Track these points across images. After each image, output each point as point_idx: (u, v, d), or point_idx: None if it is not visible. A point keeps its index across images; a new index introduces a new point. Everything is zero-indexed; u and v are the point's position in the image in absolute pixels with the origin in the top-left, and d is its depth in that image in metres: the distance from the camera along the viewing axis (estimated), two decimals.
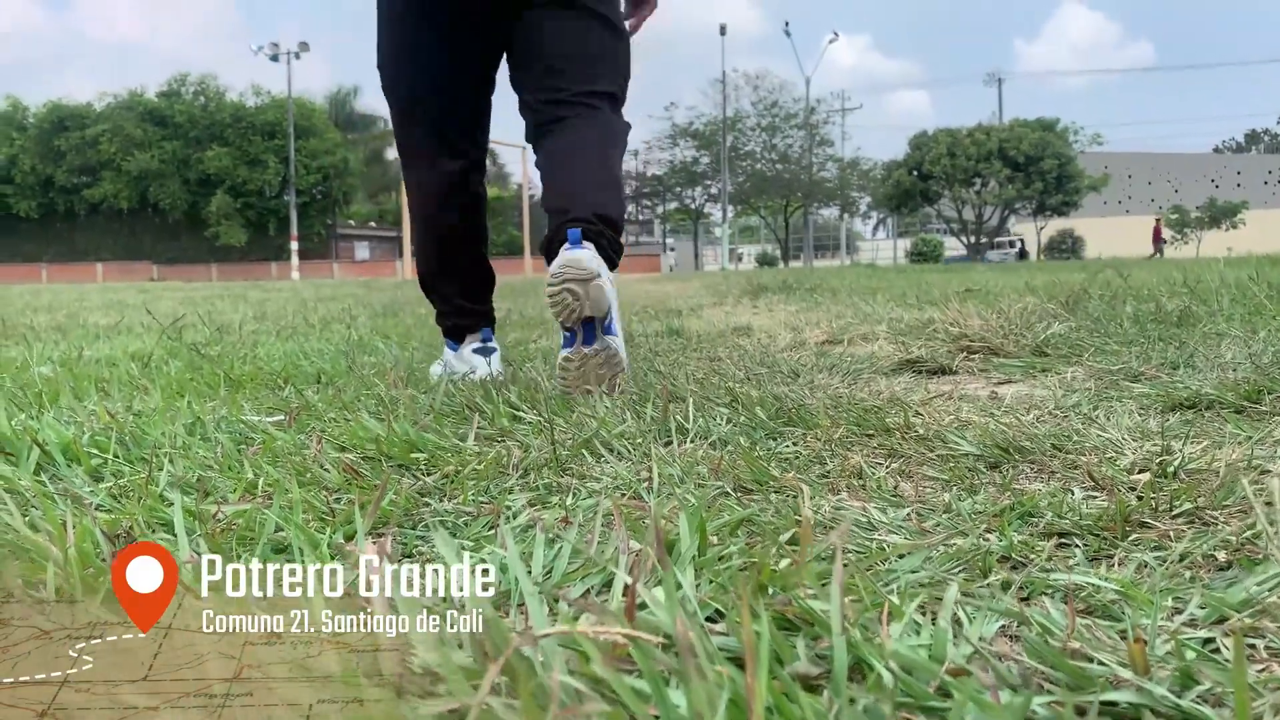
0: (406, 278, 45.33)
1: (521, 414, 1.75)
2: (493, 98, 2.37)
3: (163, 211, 46.70)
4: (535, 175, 2.43)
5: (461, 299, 2.48)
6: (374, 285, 18.06)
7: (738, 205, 53.09)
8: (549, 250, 2.09)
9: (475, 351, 2.48)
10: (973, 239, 45.95)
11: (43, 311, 8.15)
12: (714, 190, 50.28)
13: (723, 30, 46.26)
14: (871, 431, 1.53)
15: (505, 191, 49.39)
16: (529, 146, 2.30)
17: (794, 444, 1.48)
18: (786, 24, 49.05)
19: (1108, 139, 78.94)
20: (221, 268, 47.51)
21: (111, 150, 45.38)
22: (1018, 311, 3.20)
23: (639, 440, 1.51)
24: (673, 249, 46.31)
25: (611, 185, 2.17)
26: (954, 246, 49.83)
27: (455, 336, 2.55)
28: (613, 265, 2.09)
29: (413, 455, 1.42)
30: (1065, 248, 49.87)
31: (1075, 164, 43.89)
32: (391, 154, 58.07)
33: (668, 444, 1.50)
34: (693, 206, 52.06)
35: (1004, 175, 42.33)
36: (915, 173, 44.33)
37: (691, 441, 1.51)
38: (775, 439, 1.53)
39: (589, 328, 2.01)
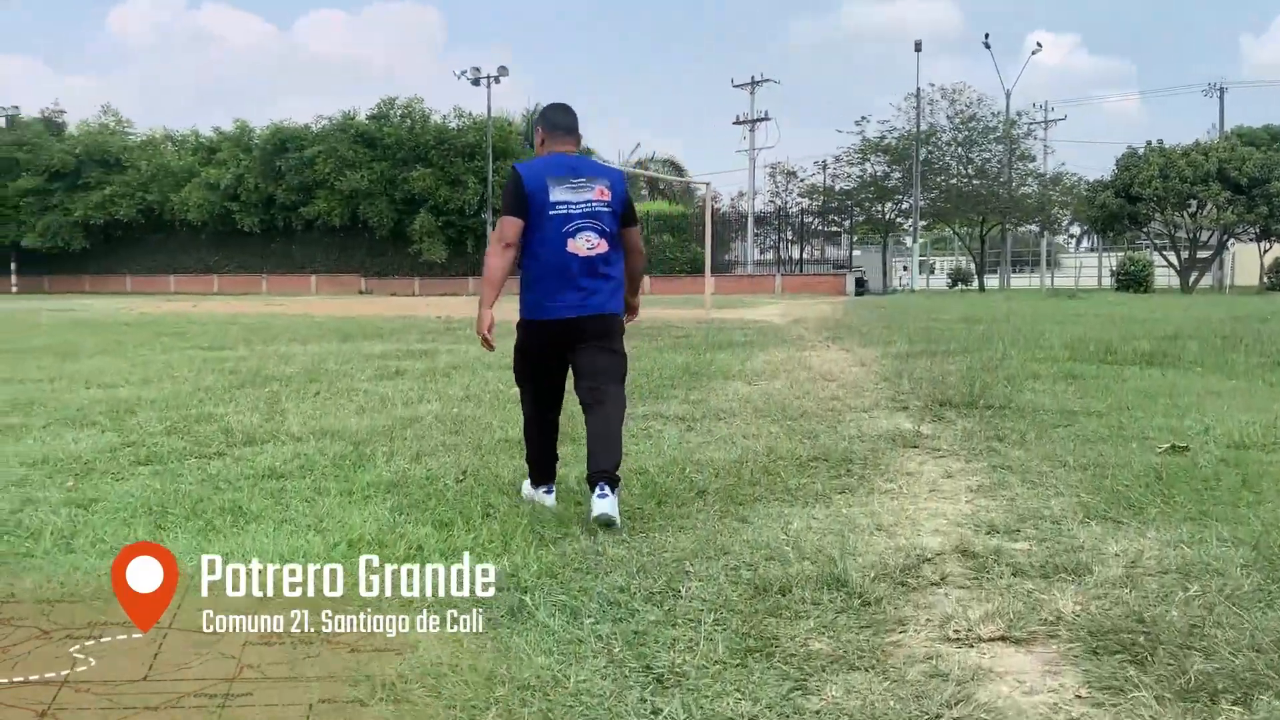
0: None
1: None
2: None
3: (371, 228, 49.62)
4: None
5: (539, 464, 4.41)
6: None
7: (930, 221, 51.55)
8: (589, 476, 3.96)
9: (544, 493, 4.36)
10: (1185, 259, 42.90)
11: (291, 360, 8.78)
12: (905, 206, 49.01)
13: (918, 46, 45.17)
14: None
15: (689, 209, 49.76)
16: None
17: None
18: (986, 36, 47.37)
19: None
20: (423, 282, 50.05)
21: (326, 170, 48.57)
22: None
23: None
24: (860, 271, 45.28)
25: (618, 446, 4.05)
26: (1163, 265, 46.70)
27: (533, 480, 4.43)
28: (617, 483, 3.96)
29: None
30: None
31: None
32: None
33: None
34: (883, 221, 50.87)
35: (1223, 198, 39.28)
36: (1123, 195, 41.77)
37: None
38: None
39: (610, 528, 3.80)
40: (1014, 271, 59.90)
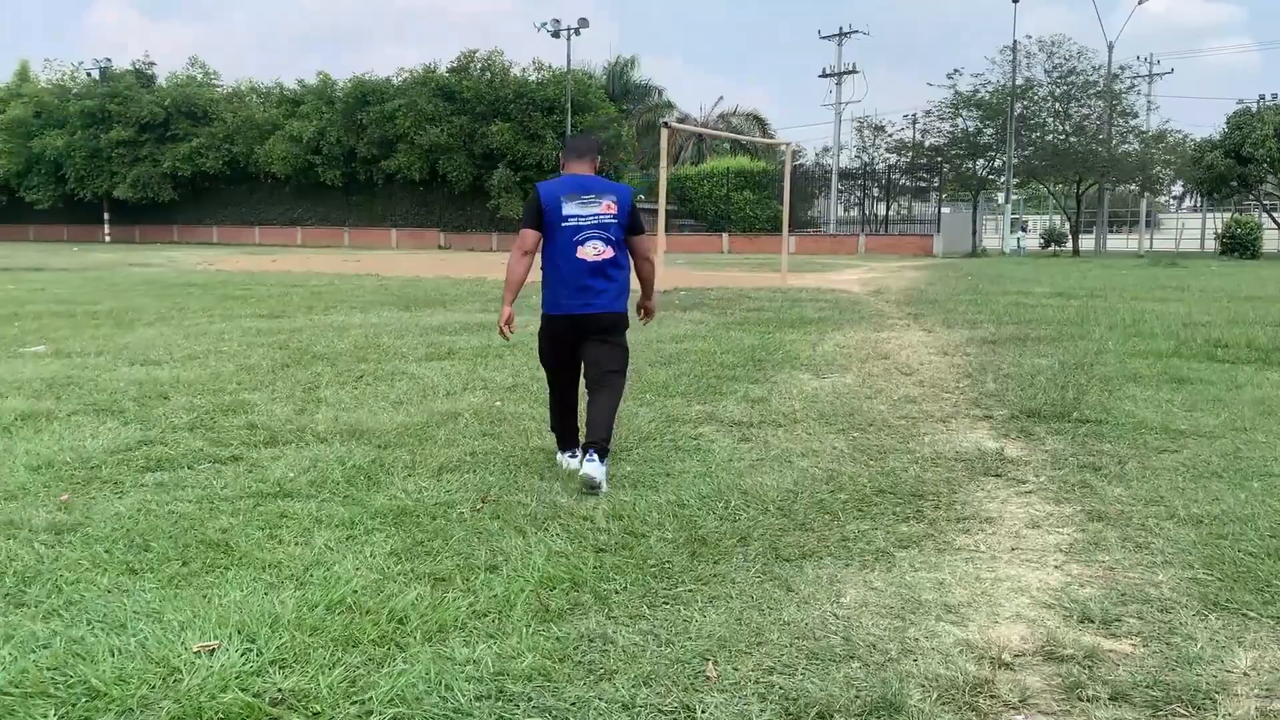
0: (667, 250, 45.77)
1: None
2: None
3: (450, 183, 49.40)
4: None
5: (561, 433, 5.08)
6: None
7: (1023, 179, 49.53)
8: (583, 444, 4.64)
9: (568, 458, 4.95)
10: None
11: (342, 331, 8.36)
12: (997, 163, 47.10)
13: None
14: None
15: (772, 164, 48.53)
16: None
17: None
18: None
19: None
20: (501, 237, 49.79)
21: (406, 125, 48.41)
22: None
23: None
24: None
25: (610, 422, 4.62)
26: (1272, 228, 44.19)
27: (560, 445, 5.10)
28: (606, 453, 4.54)
29: None
30: None
31: None
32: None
33: None
34: (973, 178, 49.01)
35: None
36: (1233, 155, 39.40)
37: None
38: None
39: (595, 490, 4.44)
40: (1111, 231, 57.42)
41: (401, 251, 45.38)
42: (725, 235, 46.95)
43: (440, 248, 49.91)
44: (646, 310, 5.28)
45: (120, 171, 55.62)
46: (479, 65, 49.95)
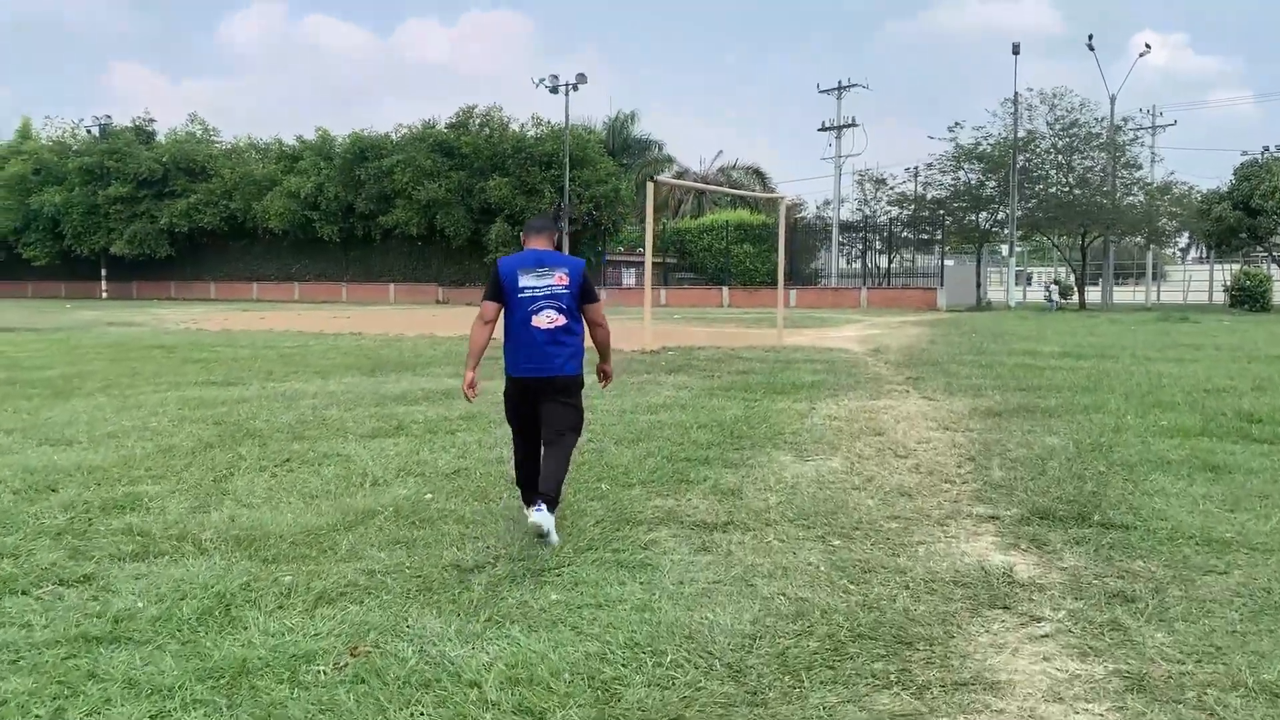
0: (665, 304, 45.01)
1: None
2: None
3: (448, 238, 48.87)
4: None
5: (526, 487, 5.22)
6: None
7: (1027, 231, 48.81)
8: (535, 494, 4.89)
9: (534, 510, 4.73)
10: None
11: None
12: (1000, 215, 46.40)
13: (1015, 49, 42.72)
14: None
15: (771, 218, 47.91)
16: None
17: None
18: (1090, 37, 44.67)
19: None
20: None
21: (404, 180, 48.04)
22: None
23: None
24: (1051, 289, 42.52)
25: (560, 477, 4.97)
26: None
27: (524, 500, 5.26)
28: (555, 505, 4.91)
29: None
30: None
31: None
32: (661, 177, 58.16)
33: None
34: (976, 231, 48.29)
35: None
36: (1241, 207, 38.65)
37: None
38: None
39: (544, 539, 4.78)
40: (1117, 283, 56.58)
41: (398, 307, 44.67)
42: (725, 289, 46.24)
43: (438, 302, 49.23)
44: (604, 374, 5.49)
45: (117, 228, 55.34)
46: (478, 120, 49.70)
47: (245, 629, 3.71)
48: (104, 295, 58.78)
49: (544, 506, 4.72)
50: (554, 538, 4.76)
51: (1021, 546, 4.72)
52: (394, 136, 50.58)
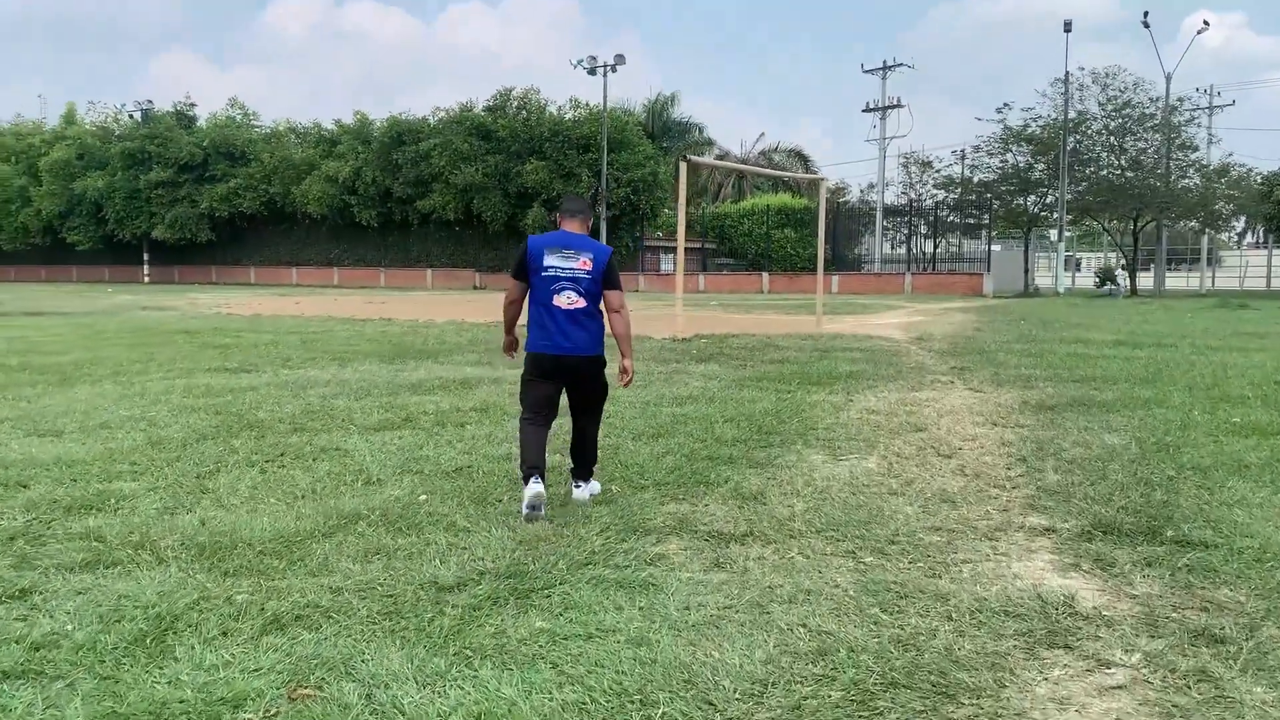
0: (704, 289, 44.27)
1: None
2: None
3: (485, 222, 48.50)
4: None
5: (526, 465, 5.02)
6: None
7: (1077, 216, 47.48)
8: (571, 471, 5.46)
9: (533, 481, 4.91)
10: None
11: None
12: (1050, 199, 45.14)
13: (1067, 27, 41.39)
14: None
15: (814, 202, 46.99)
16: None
17: None
18: (1145, 14, 43.16)
19: None
20: None
21: (442, 164, 47.69)
22: None
23: None
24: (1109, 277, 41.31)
25: (591, 453, 5.45)
26: None
27: (523, 478, 5.00)
28: (590, 474, 5.48)
29: None
30: None
31: None
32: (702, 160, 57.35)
33: None
34: (1024, 215, 47.04)
35: None
36: None
37: None
38: None
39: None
40: (1169, 269, 54.96)
41: (435, 292, 44.42)
42: (765, 275, 45.45)
43: (475, 288, 48.89)
44: (622, 369, 5.35)
45: (159, 212, 55.61)
46: (515, 103, 49.19)
47: (175, 661, 3.21)
48: (146, 279, 59.19)
49: (581, 484, 5.38)
50: (586, 494, 5.37)
51: (1083, 567, 4.10)
52: (431, 120, 50.21)
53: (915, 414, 8.25)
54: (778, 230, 47.46)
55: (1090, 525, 4.63)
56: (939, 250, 48.18)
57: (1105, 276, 49.70)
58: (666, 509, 5.15)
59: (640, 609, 3.67)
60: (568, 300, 5.08)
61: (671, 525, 4.81)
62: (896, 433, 7.36)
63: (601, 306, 5.21)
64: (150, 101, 59.43)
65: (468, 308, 27.04)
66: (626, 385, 5.51)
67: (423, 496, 5.45)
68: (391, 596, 3.84)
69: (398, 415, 8.22)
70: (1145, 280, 48.51)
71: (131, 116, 59.75)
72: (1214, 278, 57.36)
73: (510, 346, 5.47)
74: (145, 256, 59.70)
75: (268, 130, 57.80)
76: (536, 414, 5.19)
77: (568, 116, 48.06)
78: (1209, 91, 53.40)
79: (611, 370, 5.35)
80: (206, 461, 6.43)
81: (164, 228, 55.44)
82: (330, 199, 51.23)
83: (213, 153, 55.01)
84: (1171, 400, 8.50)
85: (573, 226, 5.31)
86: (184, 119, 58.51)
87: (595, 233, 45.55)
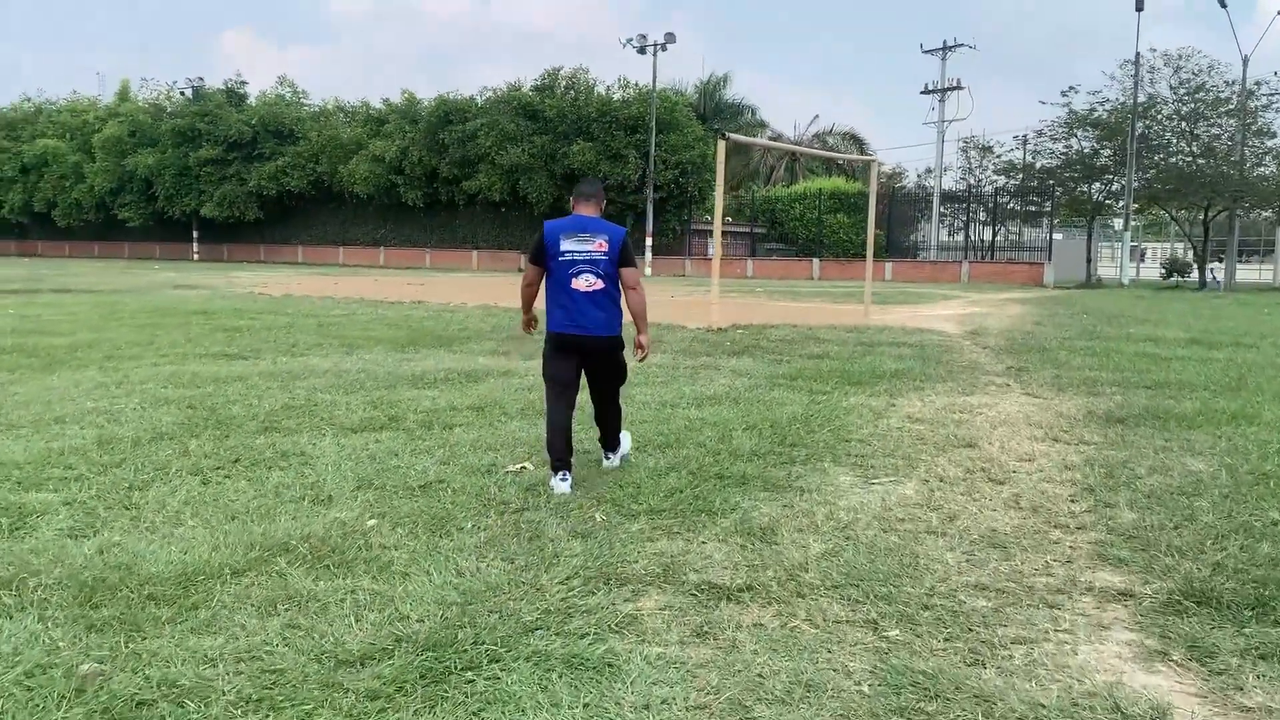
0: (752, 275, 43.17)
1: None
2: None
3: (530, 204, 47.72)
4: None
5: (553, 449, 5.26)
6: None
7: (1143, 204, 45.56)
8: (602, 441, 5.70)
9: (559, 480, 5.17)
10: None
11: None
12: (1115, 186, 43.30)
13: (1139, 5, 39.44)
14: None
15: (866, 185, 45.62)
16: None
17: None
18: None
19: None
20: None
21: (488, 144, 46.93)
22: None
23: None
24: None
25: (616, 429, 5.62)
26: None
27: (552, 467, 5.26)
28: (617, 446, 5.70)
29: None
30: None
31: None
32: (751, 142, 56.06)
33: None
34: (1088, 203, 45.20)
35: None
36: None
37: None
38: None
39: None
40: (1241, 261, 52.64)
41: (480, 274, 43.81)
42: (816, 261, 44.19)
43: (520, 270, 48.14)
44: (641, 348, 5.51)
45: (208, 190, 55.65)
46: (563, 83, 48.29)
47: None
48: (195, 257, 59.38)
49: (611, 455, 5.63)
50: (616, 460, 5.69)
51: (1174, 657, 3.15)
52: (479, 100, 49.50)
53: (964, 424, 7.27)
54: (830, 215, 46.16)
55: (1179, 590, 3.66)
56: (998, 238, 46.52)
57: (1172, 268, 47.78)
58: (655, 547, 4.27)
59: (585, 707, 2.79)
60: (586, 283, 5.22)
61: (655, 572, 3.93)
62: (941, 449, 6.40)
63: (616, 288, 5.34)
64: (201, 79, 59.43)
65: (506, 291, 26.28)
66: (642, 360, 5.65)
67: (371, 522, 4.63)
68: (273, 673, 3.00)
69: (384, 413, 7.43)
70: (1217, 269, 46.43)
71: (183, 94, 59.82)
72: None
73: (529, 324, 5.72)
74: (195, 234, 59.86)
75: (316, 109, 57.51)
76: (560, 392, 5.37)
77: (616, 97, 47.02)
78: None
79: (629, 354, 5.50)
80: (147, 468, 5.67)
81: (213, 205, 55.44)
82: (377, 178, 50.75)
83: (261, 131, 54.83)
84: (1263, 415, 7.42)
85: (586, 210, 5.42)
86: (234, 96, 58.40)
87: (641, 216, 44.63)
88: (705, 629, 3.38)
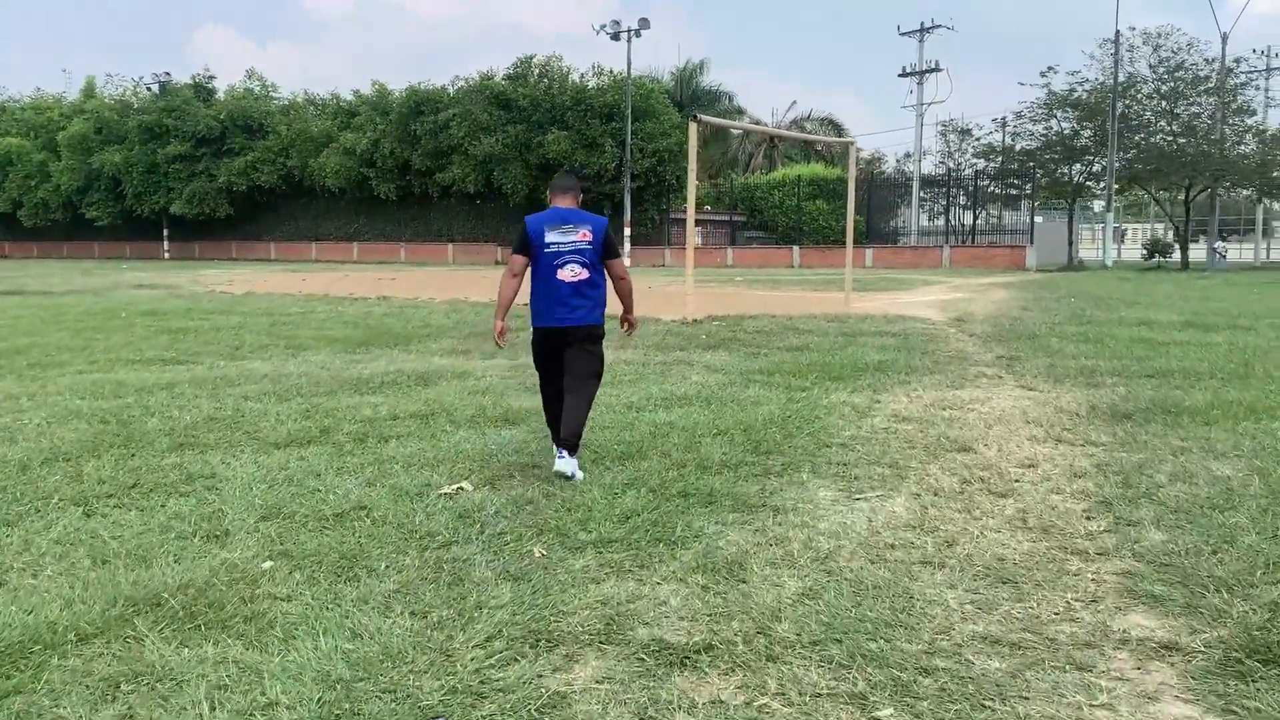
0: (732, 264, 42.51)
1: None
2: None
3: (505, 195, 46.85)
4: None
5: (555, 428, 5.37)
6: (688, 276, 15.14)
7: (1124, 185, 45.07)
8: (556, 440, 5.30)
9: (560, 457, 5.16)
10: None
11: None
12: (1096, 167, 42.78)
13: None
14: None
15: (845, 171, 45.00)
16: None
17: None
18: None
19: None
20: None
21: (460, 135, 46.01)
22: None
23: None
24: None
25: (580, 425, 5.26)
26: None
27: (554, 440, 5.33)
28: (576, 449, 5.25)
29: None
30: None
31: None
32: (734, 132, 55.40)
33: None
34: (1069, 185, 44.66)
35: None
36: None
37: None
38: None
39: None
40: (1222, 240, 52.25)
41: (454, 267, 42.98)
42: (795, 248, 43.53)
43: (498, 263, 47.34)
44: (628, 323, 5.80)
45: (177, 187, 54.45)
46: (536, 71, 47.41)
47: None
48: (166, 256, 58.21)
49: (565, 454, 5.19)
50: (578, 476, 5.15)
51: None
52: (450, 90, 48.52)
53: (956, 423, 6.60)
54: (809, 201, 45.50)
55: (1236, 642, 2.98)
56: (979, 222, 45.95)
57: (1154, 248, 47.36)
58: (600, 591, 3.57)
59: None
60: (572, 273, 5.30)
61: (596, 628, 3.23)
62: (933, 453, 5.71)
63: (605, 275, 5.46)
64: (168, 74, 58.18)
65: (479, 284, 25.48)
66: (626, 331, 5.87)
67: (267, 564, 3.91)
68: None
69: (316, 425, 6.70)
70: (1197, 252, 46.07)
71: (149, 90, 58.53)
72: (1269, 249, 54.65)
73: (500, 333, 5.50)
74: (165, 232, 58.65)
75: (285, 102, 56.34)
76: (553, 383, 5.46)
77: (591, 84, 46.16)
78: (1266, 53, 50.52)
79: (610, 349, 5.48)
80: (26, 498, 4.93)
81: (182, 203, 54.22)
82: (348, 172, 49.70)
83: (230, 126, 53.63)
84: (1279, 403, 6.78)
85: (565, 202, 5.51)
86: (202, 91, 57.11)
87: (619, 206, 43.81)
88: (650, 712, 2.68)
